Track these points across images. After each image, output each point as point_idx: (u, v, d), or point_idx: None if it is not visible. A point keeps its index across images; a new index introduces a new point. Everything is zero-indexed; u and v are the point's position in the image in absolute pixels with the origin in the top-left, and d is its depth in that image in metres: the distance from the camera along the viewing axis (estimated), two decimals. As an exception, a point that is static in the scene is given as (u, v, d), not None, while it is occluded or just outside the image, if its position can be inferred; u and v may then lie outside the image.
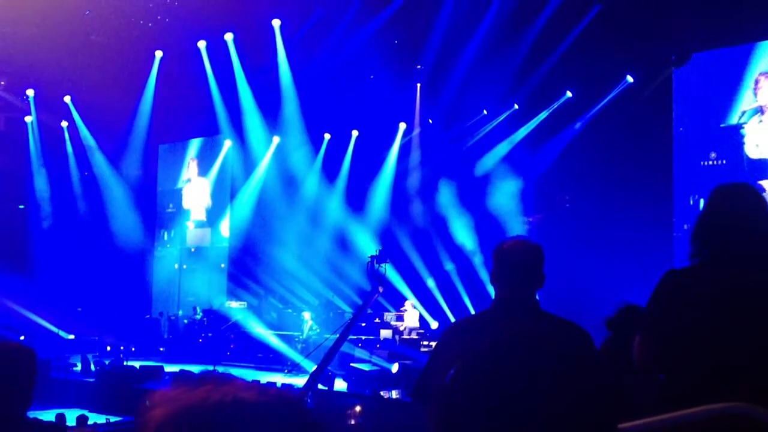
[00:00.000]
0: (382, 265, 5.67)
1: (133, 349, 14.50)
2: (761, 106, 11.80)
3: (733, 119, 12.07)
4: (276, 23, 15.30)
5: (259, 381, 1.02)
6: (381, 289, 6.13)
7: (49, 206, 18.54)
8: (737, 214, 2.69)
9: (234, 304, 16.28)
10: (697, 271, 2.74)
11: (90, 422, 7.30)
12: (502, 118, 14.84)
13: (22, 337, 13.94)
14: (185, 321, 16.48)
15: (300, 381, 10.30)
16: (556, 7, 12.95)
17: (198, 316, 16.08)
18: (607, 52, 12.72)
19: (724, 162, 12.16)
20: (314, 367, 9.35)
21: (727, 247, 2.69)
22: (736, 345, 2.55)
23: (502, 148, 14.81)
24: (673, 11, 11.69)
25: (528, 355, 1.01)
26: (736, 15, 11.29)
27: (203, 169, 18.92)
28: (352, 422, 7.19)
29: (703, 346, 2.61)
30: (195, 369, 11.87)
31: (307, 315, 14.53)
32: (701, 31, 11.81)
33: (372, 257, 5.64)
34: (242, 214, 17.84)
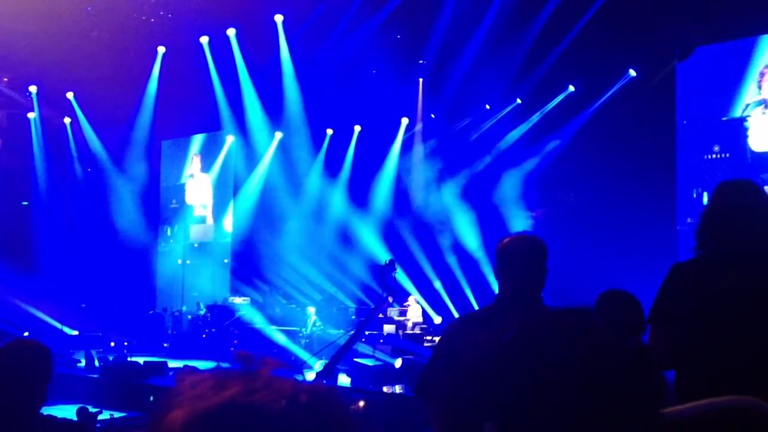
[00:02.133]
0: (393, 274, 5.57)
1: (130, 343, 14.48)
2: (765, 99, 11.76)
3: (737, 112, 12.04)
4: (278, 18, 15.28)
5: (297, 377, 0.93)
6: (390, 299, 6.07)
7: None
8: (741, 209, 2.72)
9: (237, 300, 16.29)
10: (702, 264, 2.76)
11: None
12: (504, 112, 14.82)
13: (26, 333, 13.99)
14: (189, 317, 16.49)
15: (307, 376, 10.29)
16: (559, 1, 12.92)
17: (201, 312, 16.10)
18: (610, 46, 12.69)
19: (727, 155, 12.14)
20: (318, 363, 9.36)
21: (731, 241, 2.70)
22: (744, 338, 2.55)
23: (505, 143, 14.79)
24: (676, 4, 11.66)
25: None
26: (740, 8, 11.25)
27: (206, 165, 18.93)
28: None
29: (711, 340, 2.61)
30: (199, 365, 11.89)
31: (311, 310, 14.54)
32: (705, 24, 11.77)
33: (382, 267, 5.56)
34: (245, 210, 17.85)
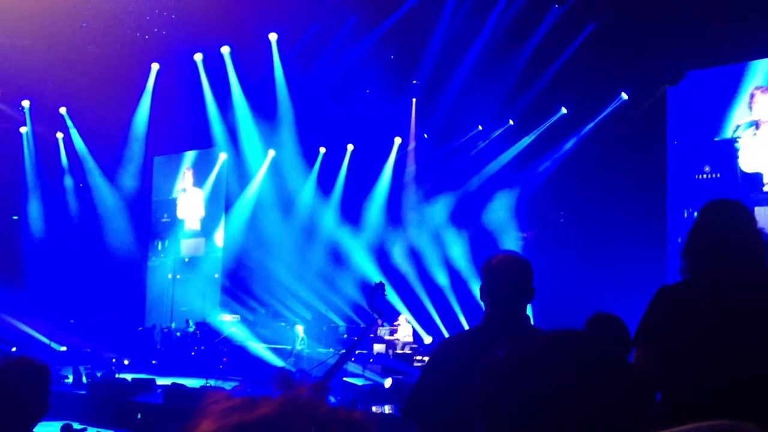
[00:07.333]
0: (382, 296, 5.50)
1: (126, 362, 14.42)
2: (756, 120, 11.86)
3: (727, 133, 12.14)
4: (273, 37, 15.34)
5: (332, 400, 0.91)
6: (380, 322, 6.06)
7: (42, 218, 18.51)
8: (726, 230, 2.71)
9: (227, 317, 16.23)
10: (688, 287, 2.76)
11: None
12: (497, 133, 14.88)
13: (14, 349, 13.87)
14: (178, 333, 16.40)
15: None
16: (551, 24, 13.02)
17: (191, 329, 16.02)
18: (601, 70, 12.79)
19: (717, 176, 12.22)
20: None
21: (716, 263, 2.70)
22: (731, 361, 2.55)
23: (497, 164, 14.83)
24: (667, 31, 11.76)
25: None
26: (729, 35, 11.36)
27: (199, 180, 18.91)
28: None
29: (699, 363, 2.61)
30: (187, 382, 11.81)
31: (300, 329, 14.48)
32: (695, 50, 11.88)
33: (371, 289, 5.50)
34: (237, 226, 17.81)
